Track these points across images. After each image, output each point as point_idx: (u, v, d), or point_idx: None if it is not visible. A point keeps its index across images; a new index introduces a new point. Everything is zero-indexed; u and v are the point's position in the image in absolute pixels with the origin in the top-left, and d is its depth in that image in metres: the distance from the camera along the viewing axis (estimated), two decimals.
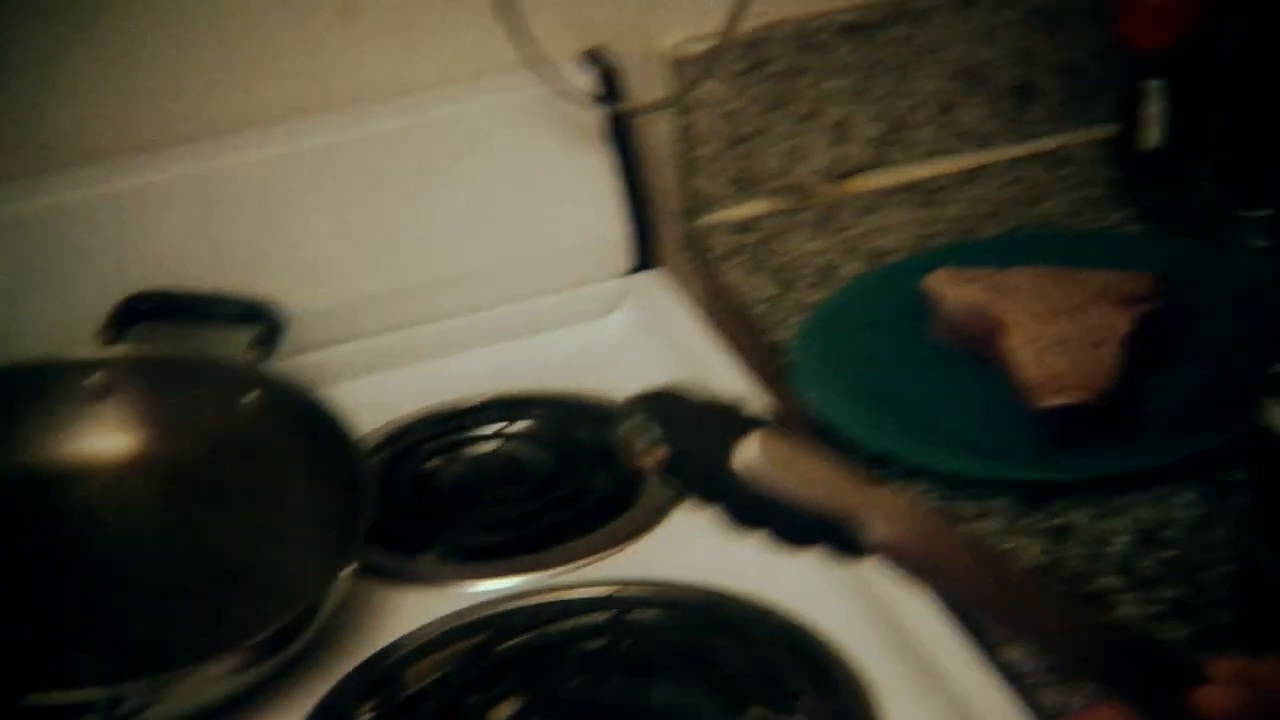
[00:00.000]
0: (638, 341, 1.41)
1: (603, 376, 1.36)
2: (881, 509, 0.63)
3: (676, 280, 1.47)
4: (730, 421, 0.63)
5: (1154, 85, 1.35)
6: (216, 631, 1.07)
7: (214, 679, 1.03)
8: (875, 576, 1.03)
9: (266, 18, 1.38)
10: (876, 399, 1.19)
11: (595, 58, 1.42)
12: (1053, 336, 1.16)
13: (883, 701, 0.99)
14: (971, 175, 1.52)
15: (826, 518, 0.62)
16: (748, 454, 0.61)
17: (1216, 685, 0.67)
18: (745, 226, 1.49)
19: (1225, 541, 1.02)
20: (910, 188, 1.51)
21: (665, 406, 0.63)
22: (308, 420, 1.20)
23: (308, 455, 1.19)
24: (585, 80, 1.40)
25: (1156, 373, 1.19)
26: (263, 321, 1.30)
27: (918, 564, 0.64)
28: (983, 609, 0.67)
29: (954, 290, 1.23)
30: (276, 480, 1.19)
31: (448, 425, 1.32)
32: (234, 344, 1.29)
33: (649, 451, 0.61)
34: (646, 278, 1.45)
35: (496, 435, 1.30)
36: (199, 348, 1.30)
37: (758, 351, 1.36)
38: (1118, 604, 1.00)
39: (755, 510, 0.62)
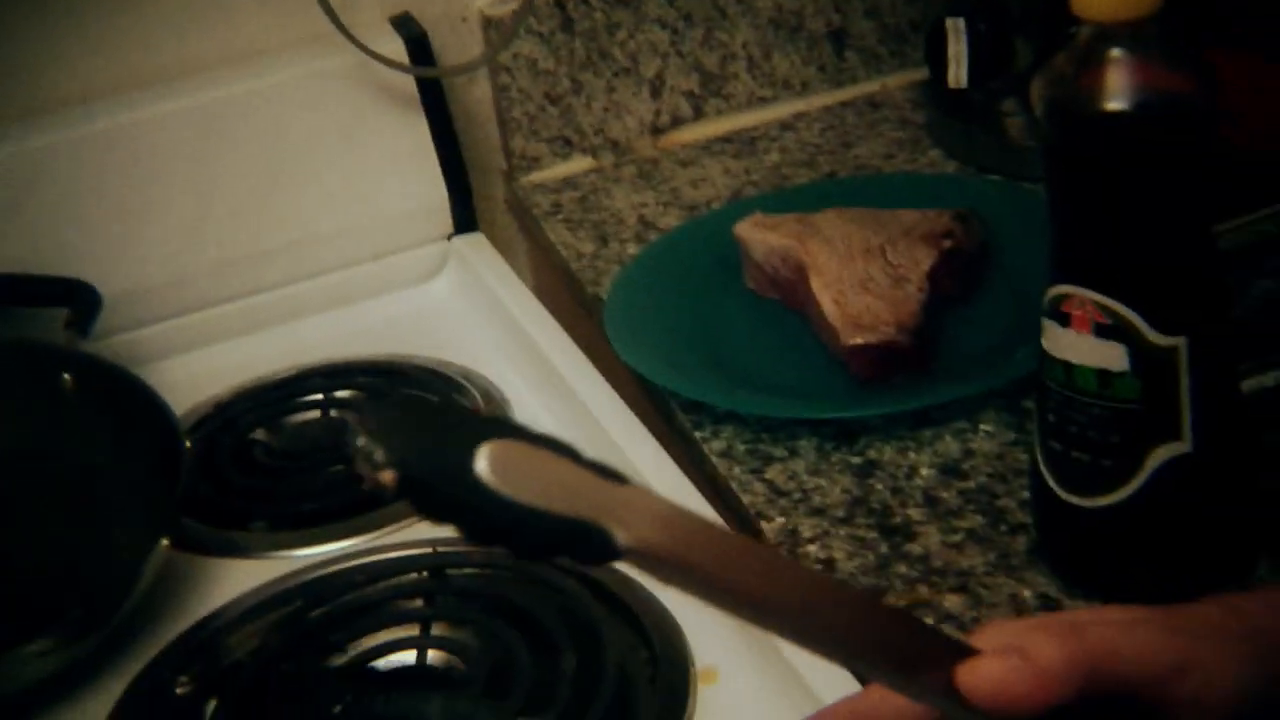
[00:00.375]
0: (461, 304, 1.42)
1: (428, 340, 1.37)
2: (630, 511, 0.60)
3: (499, 241, 1.47)
4: (467, 431, 0.59)
5: (955, 24, 1.37)
6: (33, 611, 1.07)
7: (31, 658, 1.03)
8: None
9: None
10: (687, 348, 1.21)
11: (403, 23, 1.42)
12: (856, 276, 1.17)
13: (691, 642, 1.00)
14: (789, 123, 1.53)
15: (572, 523, 0.59)
16: (484, 463, 0.57)
17: (984, 658, 0.66)
18: (566, 184, 1.50)
19: (1024, 470, 1.04)
20: (728, 138, 1.52)
21: (398, 421, 0.60)
22: (124, 398, 1.20)
23: (124, 433, 1.18)
24: (395, 46, 1.40)
25: (963, 307, 1.21)
26: (77, 301, 1.29)
27: (669, 564, 0.60)
28: (740, 604, 0.64)
29: (761, 236, 1.24)
30: (93, 460, 1.18)
31: (270, 397, 1.32)
32: (48, 325, 1.28)
33: (379, 472, 0.59)
34: (467, 240, 1.45)
35: (319, 404, 1.30)
36: (12, 330, 1.29)
37: (579, 308, 1.37)
38: (920, 535, 1.02)
39: (497, 521, 0.58)
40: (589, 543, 0.59)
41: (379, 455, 0.56)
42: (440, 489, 0.57)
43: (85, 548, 1.13)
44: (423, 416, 0.60)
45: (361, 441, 0.57)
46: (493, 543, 0.58)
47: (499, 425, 0.60)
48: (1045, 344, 0.92)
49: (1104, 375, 0.89)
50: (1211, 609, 0.73)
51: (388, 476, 0.56)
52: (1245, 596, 0.73)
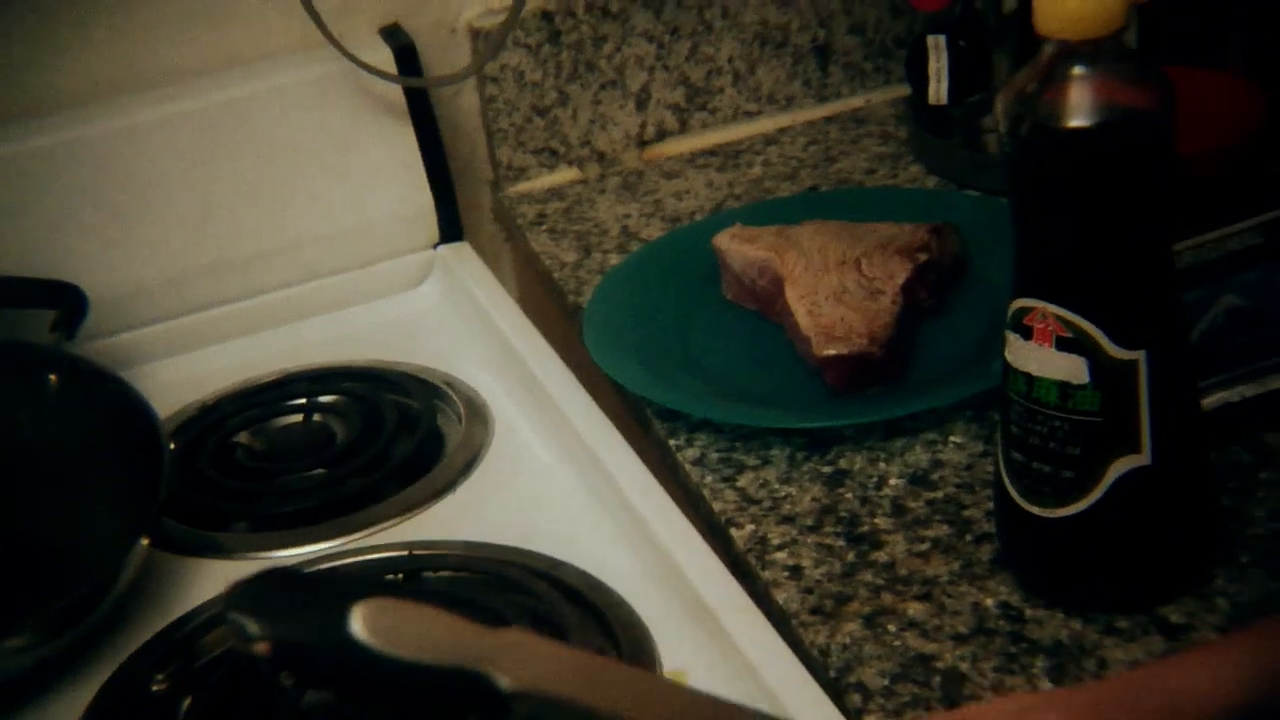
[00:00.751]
0: (445, 312, 1.43)
1: (412, 347, 1.39)
2: (513, 654, 0.61)
3: (484, 250, 1.49)
4: (338, 593, 0.60)
5: (936, 41, 1.38)
6: (11, 607, 1.08)
7: (8, 654, 1.04)
8: (659, 530, 1.07)
9: None
10: (664, 356, 1.22)
11: (392, 33, 1.44)
12: (831, 288, 1.19)
13: (659, 645, 1.02)
14: (772, 137, 1.55)
15: (453, 674, 0.59)
16: (359, 623, 0.58)
17: None
18: (552, 195, 1.51)
19: (990, 480, 1.05)
20: (713, 151, 1.54)
21: (267, 591, 0.60)
22: (108, 400, 1.21)
23: (107, 434, 1.20)
24: (384, 55, 1.41)
25: (938, 320, 1.23)
26: (64, 304, 1.31)
27: (558, 704, 0.61)
28: None
29: (739, 248, 1.26)
30: (76, 460, 1.19)
31: (255, 400, 1.34)
32: (35, 327, 1.30)
33: (252, 644, 0.57)
34: (453, 249, 1.46)
35: (303, 408, 1.32)
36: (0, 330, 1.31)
37: (562, 317, 1.39)
38: (887, 543, 1.03)
39: (378, 680, 0.59)
40: (473, 691, 0.59)
41: (251, 627, 0.57)
42: (317, 653, 0.58)
43: (65, 545, 1.15)
44: (292, 584, 0.61)
45: (233, 616, 0.57)
46: (377, 702, 0.58)
47: (370, 584, 0.60)
48: (1008, 356, 0.93)
49: (1065, 388, 0.91)
50: (1115, 685, 0.74)
51: (262, 648, 0.57)
52: (1152, 669, 0.74)
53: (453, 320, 1.41)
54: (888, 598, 0.99)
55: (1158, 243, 0.90)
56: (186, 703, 1.03)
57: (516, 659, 0.60)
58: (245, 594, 0.58)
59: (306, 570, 0.59)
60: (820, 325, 1.16)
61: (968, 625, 0.96)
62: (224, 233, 1.41)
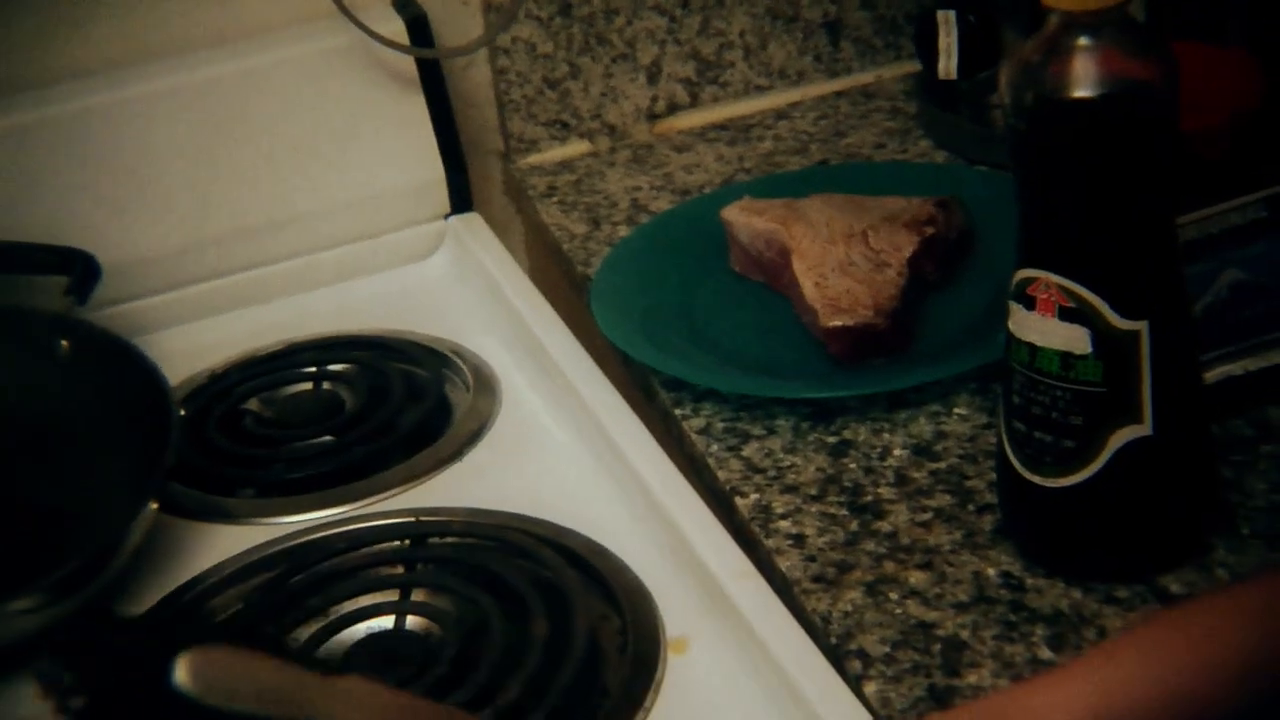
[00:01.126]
0: (455, 283, 1.43)
1: (422, 317, 1.39)
2: (346, 702, 0.60)
3: (495, 222, 1.49)
4: (163, 642, 0.58)
5: (946, 16, 1.39)
6: (19, 569, 1.09)
7: (16, 616, 1.05)
8: (664, 499, 1.08)
9: None
10: (670, 327, 1.23)
11: (405, 3, 1.44)
12: (838, 260, 1.19)
13: (662, 612, 1.02)
14: (783, 112, 1.55)
15: None
16: (184, 673, 0.56)
17: None
18: (562, 167, 1.52)
19: (993, 451, 1.06)
20: (723, 125, 1.54)
21: (86, 637, 0.58)
22: (118, 365, 1.21)
23: (117, 399, 1.20)
24: (396, 26, 1.42)
25: (944, 293, 1.23)
26: (76, 270, 1.31)
27: None
28: None
29: (747, 219, 1.26)
30: (86, 425, 1.20)
31: (264, 368, 1.34)
32: (47, 293, 1.30)
33: (69, 698, 0.55)
34: (464, 220, 1.47)
35: (312, 376, 1.32)
36: (12, 296, 1.31)
37: (570, 288, 1.39)
38: (889, 513, 1.04)
39: None
40: None
41: (67, 678, 0.55)
42: (138, 705, 0.56)
43: (74, 509, 1.15)
44: (113, 630, 0.61)
45: (49, 665, 0.55)
46: None
47: (198, 631, 0.59)
48: (1011, 326, 0.94)
49: (1067, 358, 0.91)
50: (975, 709, 0.75)
51: (77, 701, 0.55)
52: (1014, 691, 0.75)
53: (462, 291, 1.42)
54: (889, 566, 1.00)
55: (1160, 214, 0.90)
56: None
57: (347, 707, 0.59)
58: (65, 640, 0.57)
59: (132, 617, 0.56)
60: (826, 297, 1.17)
61: (968, 594, 0.97)
62: (235, 202, 1.41)
